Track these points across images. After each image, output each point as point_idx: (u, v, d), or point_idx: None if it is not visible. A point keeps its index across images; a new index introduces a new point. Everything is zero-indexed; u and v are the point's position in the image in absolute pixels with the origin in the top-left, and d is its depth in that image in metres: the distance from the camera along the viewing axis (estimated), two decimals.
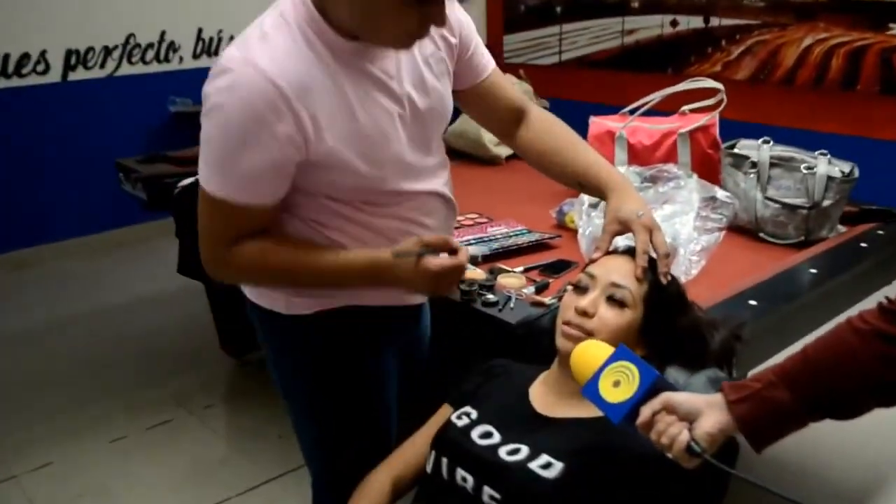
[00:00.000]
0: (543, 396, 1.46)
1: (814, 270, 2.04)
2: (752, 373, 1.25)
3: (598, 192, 1.64)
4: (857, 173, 2.29)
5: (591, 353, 1.28)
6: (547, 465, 1.30)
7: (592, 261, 1.52)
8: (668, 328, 1.45)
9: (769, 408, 1.15)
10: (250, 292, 1.62)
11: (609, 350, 1.26)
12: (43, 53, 4.59)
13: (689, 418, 1.17)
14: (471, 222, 2.46)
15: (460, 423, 1.44)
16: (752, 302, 1.84)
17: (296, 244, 1.45)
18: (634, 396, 1.19)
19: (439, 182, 1.57)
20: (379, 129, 1.40)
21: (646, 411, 1.18)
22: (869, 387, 1.12)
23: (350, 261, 1.43)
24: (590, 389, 1.24)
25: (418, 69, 1.46)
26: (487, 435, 1.40)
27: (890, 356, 1.10)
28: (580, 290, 1.45)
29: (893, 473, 2.67)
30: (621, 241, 1.57)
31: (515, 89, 1.76)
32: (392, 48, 1.38)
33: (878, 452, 2.72)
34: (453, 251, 1.40)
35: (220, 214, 1.37)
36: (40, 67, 4.60)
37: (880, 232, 2.30)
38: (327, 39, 1.33)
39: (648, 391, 1.19)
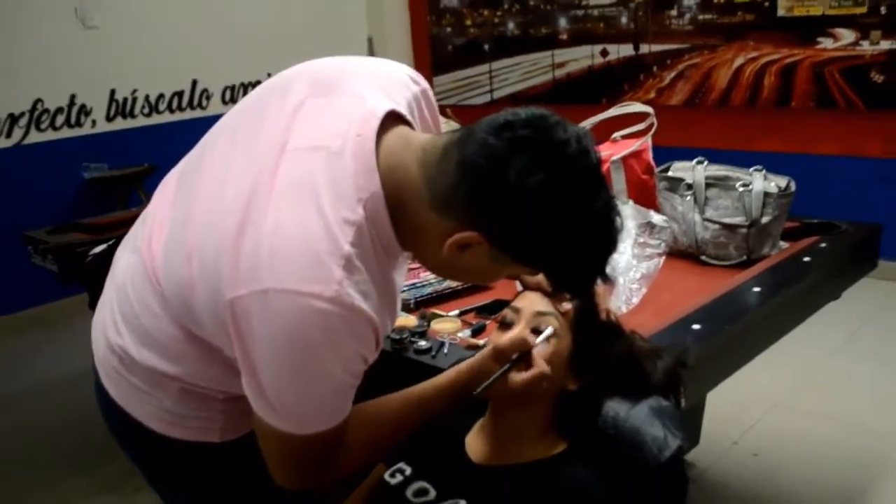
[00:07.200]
0: (480, 444, 1.38)
1: (758, 289, 1.98)
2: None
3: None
4: (793, 187, 2.25)
5: None
6: None
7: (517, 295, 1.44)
8: (601, 357, 1.37)
9: None
10: (160, 425, 1.34)
11: None
12: None
13: None
14: None
15: (393, 481, 1.36)
16: (696, 326, 1.78)
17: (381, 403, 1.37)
18: None
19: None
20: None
21: None
22: None
23: (443, 385, 1.39)
24: None
25: None
26: (423, 492, 1.32)
27: None
28: (505, 325, 1.37)
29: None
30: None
31: None
32: None
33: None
34: (528, 355, 1.29)
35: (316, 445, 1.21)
36: None
37: (823, 245, 2.26)
38: (390, 248, 1.18)
39: None
